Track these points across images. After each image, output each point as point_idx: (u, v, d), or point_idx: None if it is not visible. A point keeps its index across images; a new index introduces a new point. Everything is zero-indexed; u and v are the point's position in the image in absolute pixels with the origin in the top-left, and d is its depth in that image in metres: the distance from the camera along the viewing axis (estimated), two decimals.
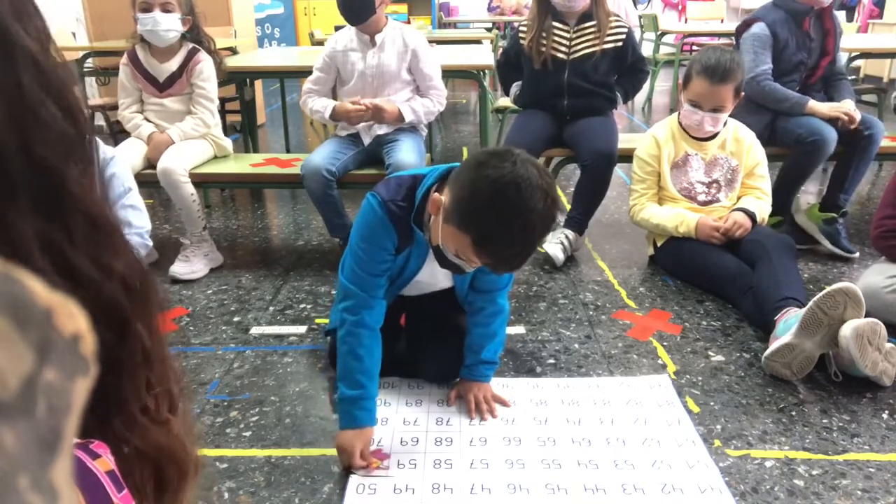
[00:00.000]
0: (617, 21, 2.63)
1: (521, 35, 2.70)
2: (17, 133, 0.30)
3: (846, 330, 1.69)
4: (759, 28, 2.73)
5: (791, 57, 2.73)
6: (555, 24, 2.62)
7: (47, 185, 0.32)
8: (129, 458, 0.41)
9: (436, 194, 1.40)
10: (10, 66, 0.31)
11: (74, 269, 0.34)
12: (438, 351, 1.76)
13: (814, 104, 2.66)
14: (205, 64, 2.61)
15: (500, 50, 3.09)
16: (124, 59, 2.63)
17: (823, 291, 1.72)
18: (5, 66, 0.30)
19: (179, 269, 2.47)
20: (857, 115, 2.63)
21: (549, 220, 1.30)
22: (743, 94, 2.40)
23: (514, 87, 2.83)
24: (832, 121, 2.63)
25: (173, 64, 2.60)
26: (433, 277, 1.67)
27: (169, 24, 2.51)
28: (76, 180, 0.34)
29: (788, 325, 1.81)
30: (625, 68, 2.70)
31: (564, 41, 2.62)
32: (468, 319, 1.71)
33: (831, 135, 2.59)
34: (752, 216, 2.30)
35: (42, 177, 0.32)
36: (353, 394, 1.49)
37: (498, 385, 1.75)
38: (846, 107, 2.65)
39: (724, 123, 2.42)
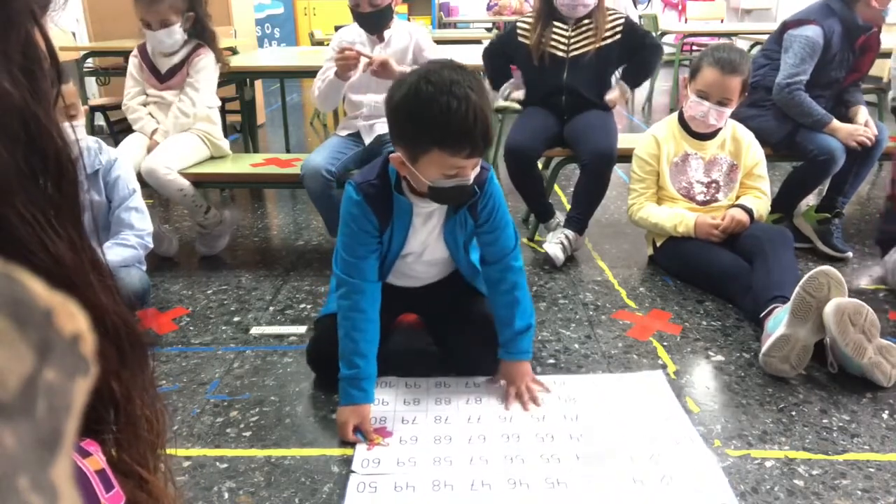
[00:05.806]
0: (613, 13, 2.63)
1: (519, 32, 2.70)
2: None
3: (828, 308, 1.72)
4: (814, 32, 2.52)
5: (831, 72, 2.61)
6: (554, 22, 2.63)
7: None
8: None
9: (392, 155, 1.51)
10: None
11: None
12: (463, 337, 1.79)
13: (835, 124, 2.58)
14: (203, 58, 2.71)
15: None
16: (134, 51, 2.76)
17: (806, 275, 1.75)
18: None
19: (202, 248, 2.70)
20: (872, 133, 2.56)
21: (471, 79, 1.42)
22: (747, 93, 2.39)
23: (507, 86, 2.83)
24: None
25: (176, 58, 2.72)
26: (424, 244, 1.70)
27: (170, 38, 2.63)
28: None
29: (778, 319, 1.82)
30: (635, 52, 2.64)
31: (563, 39, 2.62)
32: (490, 299, 1.73)
33: (840, 153, 2.55)
34: (749, 212, 2.31)
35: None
36: (348, 373, 1.58)
37: (498, 385, 1.75)
38: (862, 130, 2.57)
39: (725, 122, 2.42)
